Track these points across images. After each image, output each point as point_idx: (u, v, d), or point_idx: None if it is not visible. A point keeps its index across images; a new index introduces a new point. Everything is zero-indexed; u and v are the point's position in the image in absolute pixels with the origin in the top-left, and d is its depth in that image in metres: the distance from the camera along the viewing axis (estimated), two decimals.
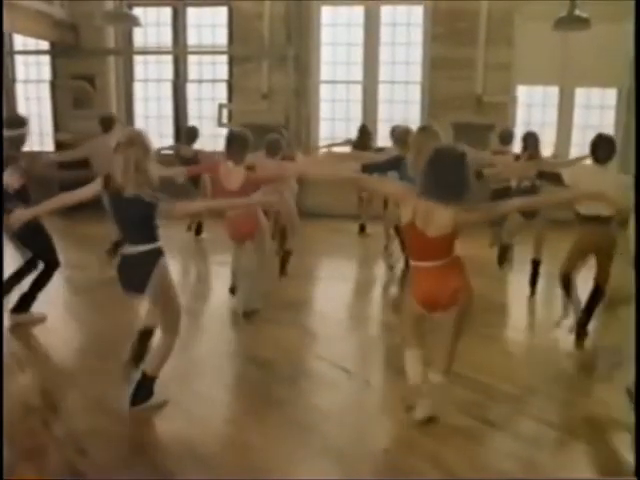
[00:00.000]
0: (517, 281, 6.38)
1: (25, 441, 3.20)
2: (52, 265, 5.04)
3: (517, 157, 6.06)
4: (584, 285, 4.82)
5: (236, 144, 4.91)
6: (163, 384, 3.64)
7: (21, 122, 4.91)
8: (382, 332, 5.11)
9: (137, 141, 3.24)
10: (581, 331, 4.66)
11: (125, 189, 3.24)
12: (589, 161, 4.68)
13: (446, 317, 3.31)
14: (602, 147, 4.40)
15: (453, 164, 3.11)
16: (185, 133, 8.67)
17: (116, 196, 3.32)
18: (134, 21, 8.99)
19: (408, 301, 3.47)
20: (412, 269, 3.36)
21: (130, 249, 3.39)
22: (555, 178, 4.35)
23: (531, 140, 5.90)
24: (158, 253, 3.40)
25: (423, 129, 4.47)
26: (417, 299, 3.30)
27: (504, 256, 6.40)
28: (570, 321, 4.94)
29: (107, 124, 6.77)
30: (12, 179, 4.40)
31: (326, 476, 3.01)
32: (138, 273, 3.37)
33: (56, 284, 5.54)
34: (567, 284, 4.88)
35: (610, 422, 3.60)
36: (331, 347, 4.60)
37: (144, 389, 3.48)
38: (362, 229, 8.88)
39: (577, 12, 7.73)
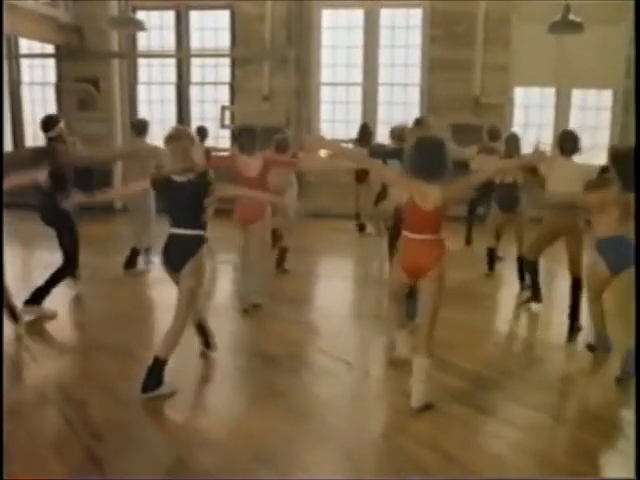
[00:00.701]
0: (507, 276, 6.55)
1: (44, 429, 3.37)
2: (70, 265, 5.26)
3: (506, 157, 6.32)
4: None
5: (245, 138, 5.47)
6: (171, 375, 3.81)
7: (56, 120, 5.27)
8: (382, 327, 5.26)
9: (184, 134, 3.79)
10: (574, 325, 4.84)
11: (174, 175, 3.68)
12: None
13: (425, 293, 3.60)
14: (567, 141, 4.97)
15: (431, 148, 3.56)
16: (196, 132, 8.84)
17: (166, 184, 3.73)
18: (139, 26, 9.12)
19: (393, 271, 3.83)
20: (404, 240, 3.66)
21: (178, 230, 3.74)
22: (533, 170, 5.03)
23: (512, 141, 6.31)
24: (202, 240, 3.78)
25: (418, 122, 5.00)
26: (403, 266, 3.65)
27: (493, 259, 6.64)
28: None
29: (141, 128, 6.86)
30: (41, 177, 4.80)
31: (326, 460, 3.17)
32: (181, 253, 3.71)
33: (63, 283, 5.72)
34: (535, 269, 5.36)
35: (599, 412, 3.76)
36: (332, 341, 4.75)
37: (154, 376, 3.63)
38: (361, 228, 9.06)
39: (571, 16, 7.87)
